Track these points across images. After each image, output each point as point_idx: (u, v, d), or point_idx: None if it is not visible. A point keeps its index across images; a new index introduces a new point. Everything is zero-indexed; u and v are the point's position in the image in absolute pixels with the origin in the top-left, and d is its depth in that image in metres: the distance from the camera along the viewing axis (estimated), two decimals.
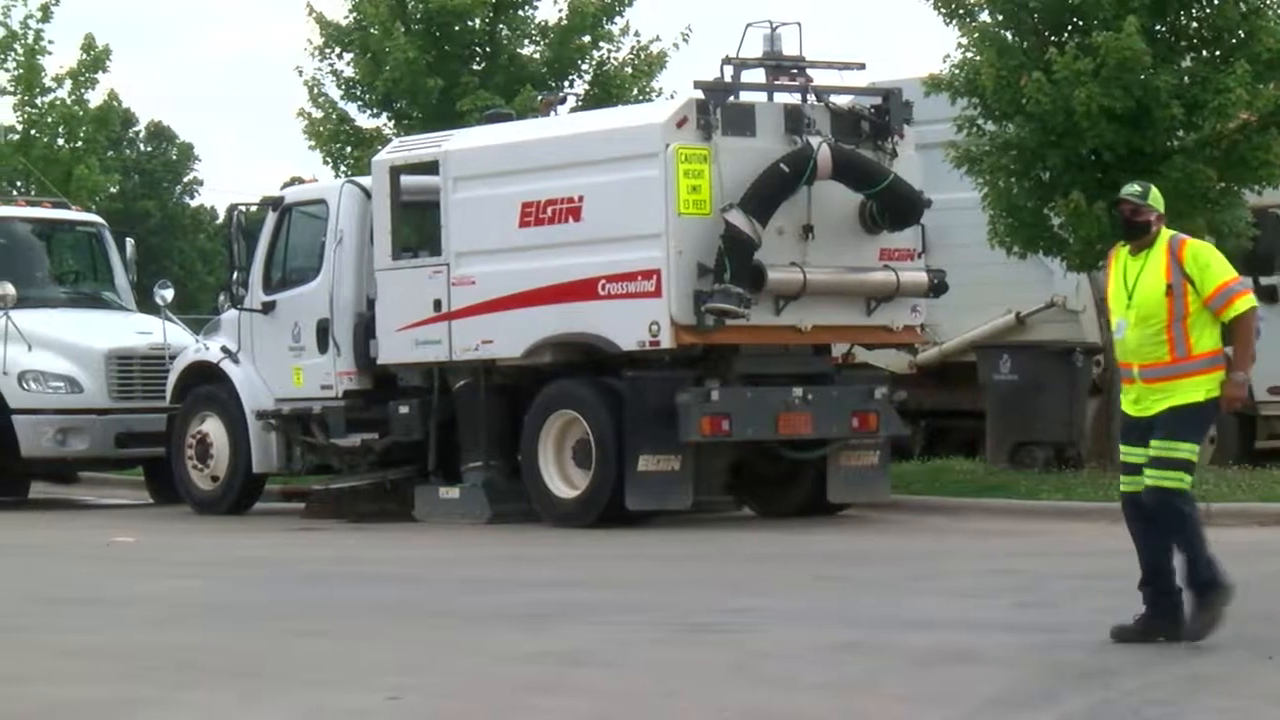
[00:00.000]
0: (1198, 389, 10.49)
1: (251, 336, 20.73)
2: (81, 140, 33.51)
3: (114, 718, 9.27)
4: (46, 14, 32.41)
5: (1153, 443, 10.48)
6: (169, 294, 22.72)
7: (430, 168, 19.61)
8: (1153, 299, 10.49)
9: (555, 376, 18.77)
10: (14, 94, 33.05)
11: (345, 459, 20.33)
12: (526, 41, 28.40)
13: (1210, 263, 10.61)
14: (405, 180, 19.78)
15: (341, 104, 28.22)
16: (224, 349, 20.93)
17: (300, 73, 28.34)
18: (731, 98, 18.50)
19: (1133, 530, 10.69)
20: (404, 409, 19.56)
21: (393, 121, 27.64)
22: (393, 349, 19.58)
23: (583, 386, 18.52)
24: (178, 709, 9.41)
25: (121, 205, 42.49)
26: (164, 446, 21.58)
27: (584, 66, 28.44)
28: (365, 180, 20.60)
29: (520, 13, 28.32)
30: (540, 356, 18.73)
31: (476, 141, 19.88)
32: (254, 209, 21.87)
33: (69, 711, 9.31)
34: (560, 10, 28.25)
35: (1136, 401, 10.63)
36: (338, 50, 27.90)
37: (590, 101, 26.62)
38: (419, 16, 27.70)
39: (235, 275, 21.19)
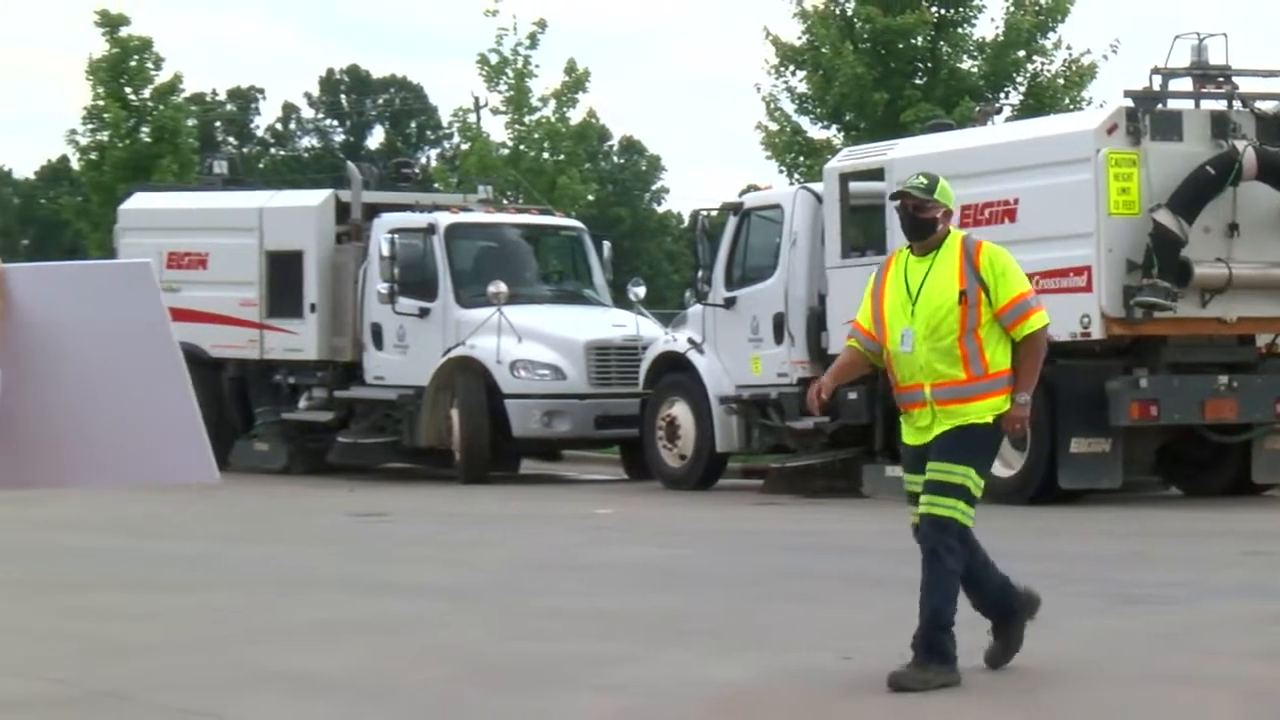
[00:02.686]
0: (987, 411, 8.49)
1: (714, 329, 20.89)
2: (563, 154, 34.27)
3: (592, 672, 9.38)
4: (534, 41, 33.31)
5: (929, 464, 8.46)
6: (641, 291, 23.04)
7: (877, 174, 19.53)
8: (944, 308, 8.45)
9: None
10: (506, 113, 33.99)
11: (799, 440, 20.39)
12: (965, 57, 28.26)
13: (1007, 270, 8.59)
14: (853, 186, 19.75)
15: (795, 117, 28.38)
16: (690, 340, 21.13)
17: (758, 89, 28.65)
18: (1159, 105, 18.21)
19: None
20: (852, 395, 19.48)
21: (841, 132, 27.69)
22: (842, 339, 19.48)
23: None
24: (650, 664, 9.51)
25: (597, 211, 43.12)
26: (637, 428, 21.87)
27: (1018, 79, 28.19)
28: (817, 186, 20.66)
29: (959, 30, 28.15)
30: None
31: (919, 150, 19.75)
32: (715, 214, 22.05)
33: (553, 666, 9.46)
34: (997, 28, 28.04)
35: (923, 429, 8.52)
36: (792, 69, 28.03)
37: (1024, 111, 26.35)
38: (866, 36, 27.70)
39: (700, 274, 21.45)
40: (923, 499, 8.48)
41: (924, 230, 8.69)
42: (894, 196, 9.11)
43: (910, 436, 8.64)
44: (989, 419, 8.48)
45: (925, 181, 8.71)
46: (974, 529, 8.55)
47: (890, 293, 8.76)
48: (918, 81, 27.69)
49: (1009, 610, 8.77)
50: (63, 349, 5.15)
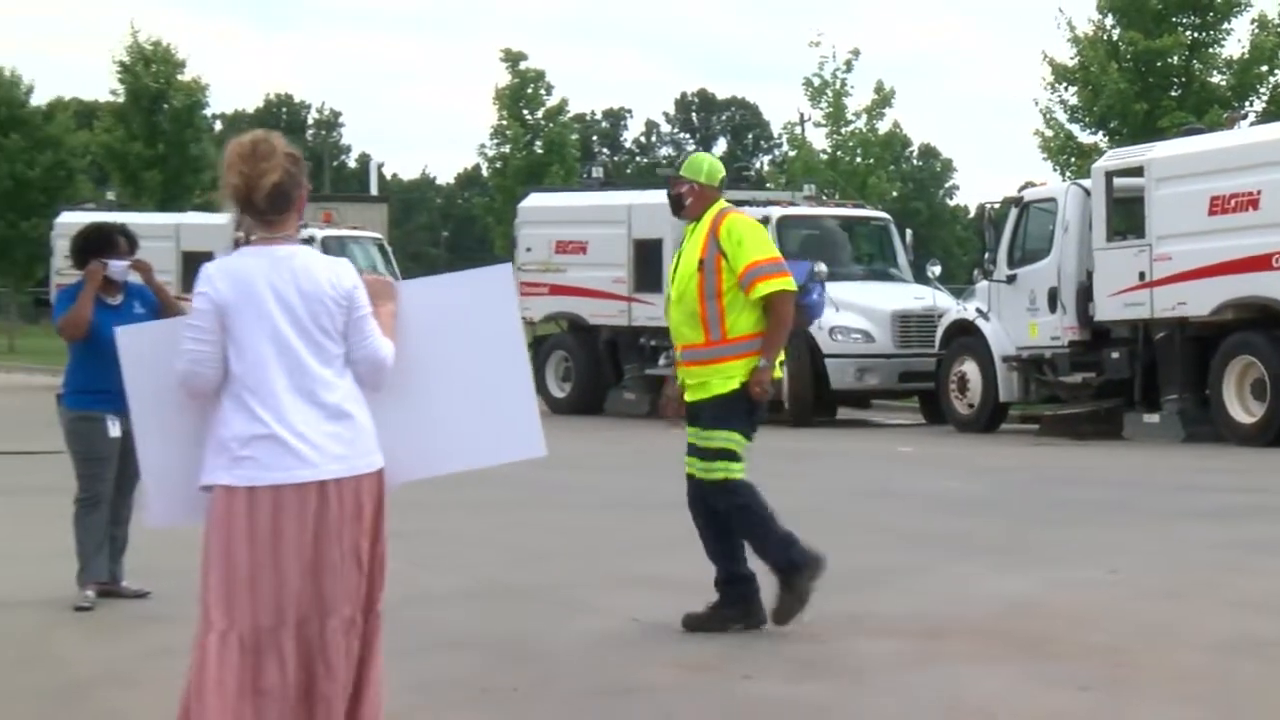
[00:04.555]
0: (732, 377, 7.44)
1: (998, 301, 20.59)
2: (873, 158, 34.08)
3: (897, 579, 9.31)
4: (849, 66, 33.19)
5: (689, 429, 7.63)
6: (937, 270, 22.86)
7: (1137, 171, 19.08)
8: (686, 275, 7.47)
9: (1236, 329, 17.96)
10: (826, 126, 33.91)
11: (1069, 392, 20.04)
12: (1215, 72, 27.35)
13: (744, 239, 7.44)
14: (1117, 181, 19.30)
15: (1067, 125, 27.82)
16: (978, 310, 20.90)
17: (1036, 103, 28.18)
18: None
19: (692, 513, 7.79)
20: (1115, 354, 19.25)
21: (1106, 137, 27.09)
22: (1107, 309, 19.19)
23: (1258, 337, 17.72)
24: (944, 575, 9.41)
25: (900, 205, 42.65)
26: (934, 382, 21.68)
27: (1262, 90, 27.18)
28: (1085, 182, 20.22)
29: (1211, 50, 27.26)
30: (1224, 314, 18.02)
31: (1175, 150, 19.22)
32: (999, 207, 21.66)
33: (864, 573, 9.42)
34: (1243, 47, 27.01)
35: (689, 387, 7.60)
36: (1065, 85, 27.50)
37: (1267, 116, 25.33)
38: (1129, 56, 27.04)
39: (986, 256, 21.18)
40: (693, 462, 7.60)
41: (675, 205, 7.73)
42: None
43: (686, 393, 7.66)
44: (734, 387, 7.44)
45: (682, 161, 7.82)
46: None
47: (672, 263, 7.80)
48: (1173, 93, 26.99)
49: (792, 565, 7.56)
50: (432, 351, 5.07)
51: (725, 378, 7.46)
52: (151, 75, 43.16)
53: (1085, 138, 28.03)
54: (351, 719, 4.78)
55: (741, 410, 7.52)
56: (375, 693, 4.85)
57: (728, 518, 7.59)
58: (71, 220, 29.51)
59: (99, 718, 6.28)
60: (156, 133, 42.83)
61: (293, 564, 4.65)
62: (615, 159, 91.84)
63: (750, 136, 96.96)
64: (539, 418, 5.30)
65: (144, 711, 6.25)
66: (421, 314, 5.08)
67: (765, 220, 23.00)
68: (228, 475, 4.67)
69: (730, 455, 7.55)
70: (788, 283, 7.50)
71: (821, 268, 21.67)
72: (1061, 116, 27.94)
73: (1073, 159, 27.47)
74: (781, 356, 7.67)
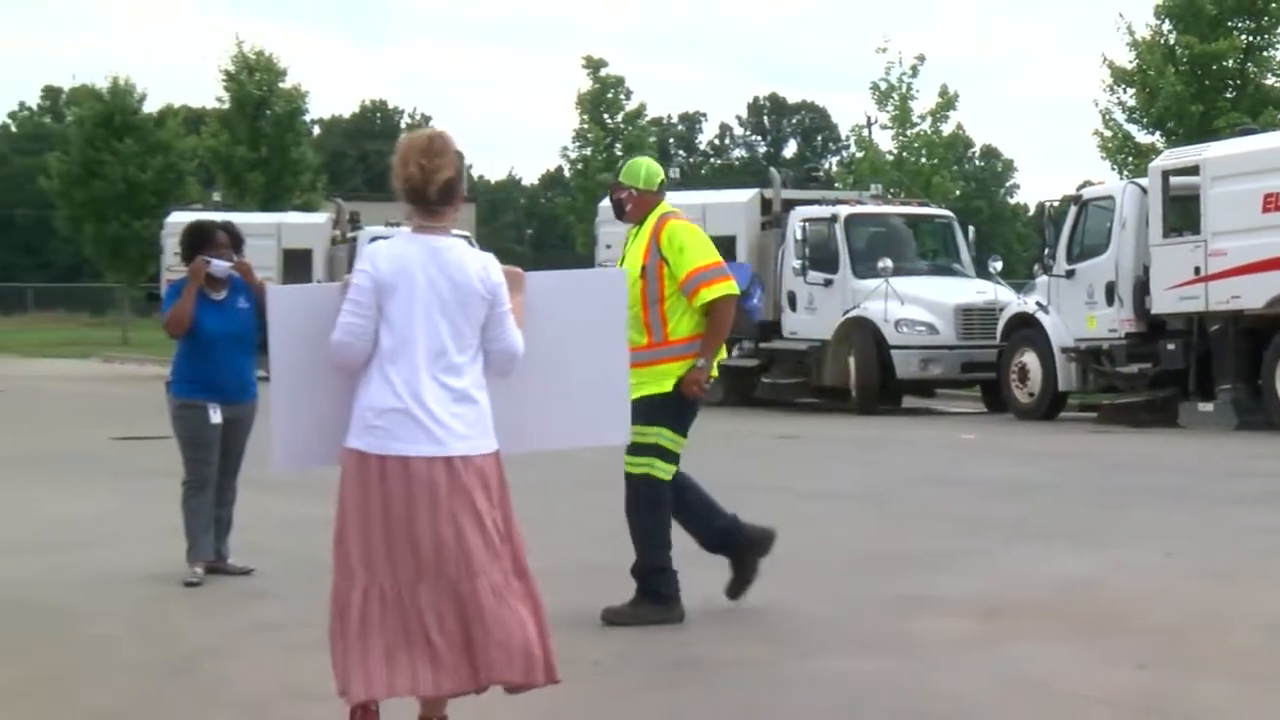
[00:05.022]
0: (669, 377, 7.13)
1: (1057, 295, 20.40)
2: (937, 159, 33.86)
3: (960, 561, 9.23)
4: (914, 71, 32.99)
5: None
6: (998, 265, 22.72)
7: (1193, 170, 18.86)
8: (630, 281, 6.82)
9: None
10: (891, 128, 33.72)
11: (1126, 382, 19.79)
12: (1270, 75, 26.93)
13: (685, 246, 7.19)
14: (1173, 180, 19.07)
15: (1125, 126, 27.53)
16: (1038, 303, 20.71)
17: (1096, 104, 27.94)
18: None
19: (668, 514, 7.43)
20: (1171, 345, 19.01)
21: (1163, 137, 26.76)
22: (1163, 302, 18.98)
23: None
24: (1006, 558, 9.34)
25: (962, 204, 42.24)
26: (995, 372, 21.51)
27: None
28: (1142, 181, 19.99)
29: (1265, 54, 26.89)
30: (1276, 308, 17.73)
31: (1230, 150, 18.98)
32: (1058, 205, 21.50)
33: (928, 556, 9.36)
34: None
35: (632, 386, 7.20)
36: (1123, 87, 27.21)
37: None
38: (1185, 60, 26.71)
39: (1045, 251, 21.00)
40: (626, 458, 7.20)
41: (617, 210, 7.49)
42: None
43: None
44: (668, 387, 7.11)
45: (621, 167, 7.54)
46: (691, 476, 7.45)
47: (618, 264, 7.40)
48: (1228, 95, 26.65)
49: (735, 547, 7.45)
50: (546, 337, 5.19)
51: (662, 378, 7.15)
52: (255, 83, 43.59)
53: (1143, 138, 27.77)
54: (528, 665, 4.89)
55: (674, 409, 7.19)
56: (549, 644, 4.98)
57: (633, 502, 7.29)
58: (180, 220, 29.85)
59: (205, 688, 6.34)
60: (259, 137, 43.25)
61: (427, 530, 4.79)
62: (690, 160, 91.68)
63: (819, 139, 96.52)
64: (629, 408, 5.44)
65: (247, 681, 6.31)
66: (542, 303, 5.22)
67: (834, 218, 22.98)
68: (360, 441, 4.83)
69: (661, 453, 7.22)
70: (730, 287, 7.26)
71: (887, 263, 21.74)
72: (1120, 118, 27.73)
73: (1130, 158, 27.20)
74: (722, 356, 7.37)
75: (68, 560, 9.32)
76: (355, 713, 4.90)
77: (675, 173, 28.61)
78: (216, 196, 36.81)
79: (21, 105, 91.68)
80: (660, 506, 7.28)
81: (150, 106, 48.35)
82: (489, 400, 4.95)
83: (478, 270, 4.92)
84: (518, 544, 4.98)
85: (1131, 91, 27.29)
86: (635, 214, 7.41)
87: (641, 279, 7.20)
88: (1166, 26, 27.67)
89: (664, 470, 7.25)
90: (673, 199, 26.35)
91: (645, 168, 7.48)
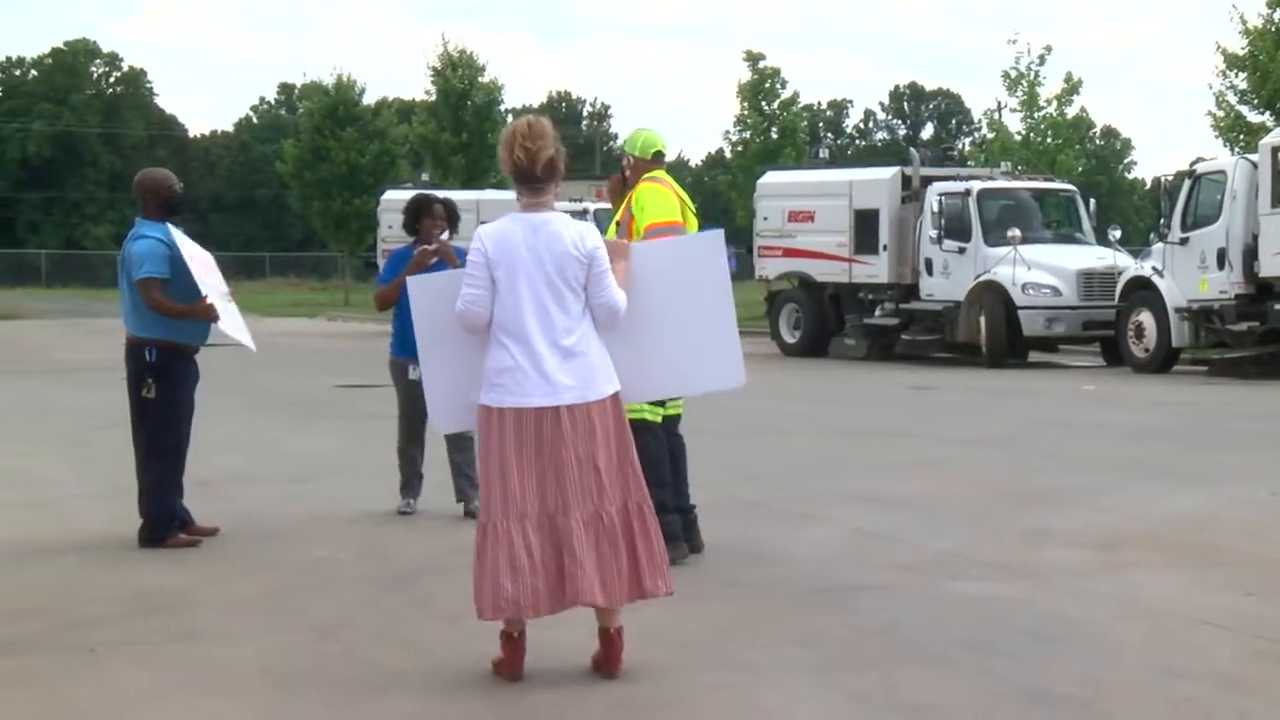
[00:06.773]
0: None
1: (1171, 260, 19.82)
2: (1061, 139, 33.03)
3: (1083, 498, 9.02)
4: (1042, 60, 32.22)
5: None
6: (1117, 234, 22.22)
7: None
8: (609, 235, 6.76)
9: None
10: (1020, 112, 32.97)
11: (1235, 339, 19.19)
12: None
13: (647, 205, 6.93)
14: None
15: (1237, 106, 26.58)
16: (1154, 268, 20.16)
17: (1210, 87, 26.95)
18: None
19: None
20: (1278, 306, 18.41)
21: (1273, 117, 25.72)
22: (1271, 266, 18.38)
23: None
24: (1126, 494, 9.12)
25: (1084, 179, 41.07)
26: (1113, 329, 21.01)
27: None
28: (1253, 156, 19.35)
29: None
30: None
31: None
32: (1173, 179, 20.83)
33: (1054, 494, 9.18)
34: None
35: None
36: (1235, 71, 26.27)
37: None
38: None
39: (1161, 221, 20.41)
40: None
41: (624, 176, 7.25)
42: None
43: None
44: None
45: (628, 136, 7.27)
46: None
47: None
48: None
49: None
50: (657, 298, 5.23)
51: None
52: (458, 78, 44.05)
53: (1253, 117, 26.77)
54: (635, 587, 5.00)
55: None
56: (656, 565, 5.01)
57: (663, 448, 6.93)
58: (394, 197, 30.37)
59: (416, 599, 6.45)
60: (461, 125, 43.71)
61: (536, 470, 4.93)
62: (838, 142, 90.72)
63: (954, 122, 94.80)
64: (741, 352, 5.41)
65: (451, 593, 6.40)
66: (650, 268, 5.26)
67: (967, 193, 22.59)
68: (486, 397, 4.99)
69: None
70: None
71: (1015, 233, 21.32)
72: (1232, 99, 26.76)
73: (1241, 136, 26.24)
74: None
75: (296, 490, 9.53)
76: (501, 636, 5.10)
77: (824, 153, 28.37)
78: (425, 177, 37.34)
79: (261, 100, 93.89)
80: (656, 447, 6.86)
81: (368, 99, 49.10)
82: (608, 356, 5.02)
83: (573, 237, 4.99)
84: (630, 480, 5.01)
85: (1243, 75, 26.37)
86: (632, 178, 7.22)
87: (615, 232, 7.06)
88: (1278, 15, 26.72)
89: (652, 411, 6.89)
90: (822, 176, 25.86)
91: (642, 138, 7.24)
